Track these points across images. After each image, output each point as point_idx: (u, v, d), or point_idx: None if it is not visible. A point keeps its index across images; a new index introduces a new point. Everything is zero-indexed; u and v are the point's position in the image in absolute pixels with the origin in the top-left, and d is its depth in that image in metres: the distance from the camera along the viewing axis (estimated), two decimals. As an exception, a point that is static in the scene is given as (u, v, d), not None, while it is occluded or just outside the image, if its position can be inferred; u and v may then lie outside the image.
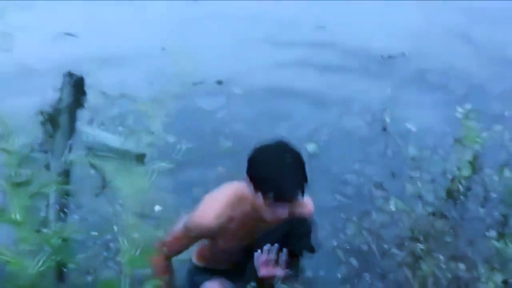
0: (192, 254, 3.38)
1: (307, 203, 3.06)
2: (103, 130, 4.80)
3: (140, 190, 4.02)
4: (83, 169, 4.39)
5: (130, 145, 4.57)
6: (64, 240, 3.41)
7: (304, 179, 2.78)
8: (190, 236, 3.08)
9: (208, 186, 4.51)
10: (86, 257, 3.72)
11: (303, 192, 2.79)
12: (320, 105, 5.63)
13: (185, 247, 3.21)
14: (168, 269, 3.19)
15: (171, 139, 4.90)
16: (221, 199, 2.97)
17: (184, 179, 4.64)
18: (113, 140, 4.65)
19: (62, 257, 2.51)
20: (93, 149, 4.57)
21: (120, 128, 4.80)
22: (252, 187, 2.80)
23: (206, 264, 3.33)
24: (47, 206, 4.07)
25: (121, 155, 4.47)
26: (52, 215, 3.97)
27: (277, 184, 2.71)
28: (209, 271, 3.32)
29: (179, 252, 3.21)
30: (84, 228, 3.95)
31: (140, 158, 4.56)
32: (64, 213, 4.07)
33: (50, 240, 2.48)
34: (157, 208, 4.25)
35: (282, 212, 2.78)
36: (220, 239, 3.04)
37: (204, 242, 3.23)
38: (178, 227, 3.09)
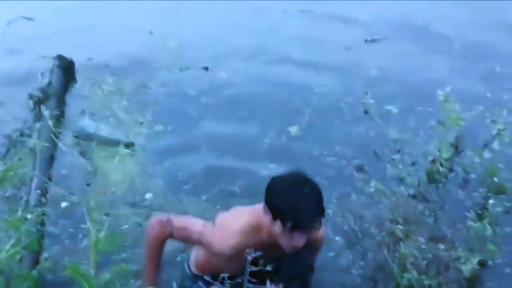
0: (191, 264, 3.39)
1: (318, 231, 3.09)
2: (94, 120, 4.81)
3: (128, 176, 4.05)
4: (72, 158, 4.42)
5: (119, 135, 4.59)
6: (42, 224, 3.43)
7: (322, 209, 2.84)
8: (201, 243, 3.11)
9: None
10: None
11: (320, 223, 2.86)
12: (302, 88, 5.63)
13: (190, 243, 3.31)
14: (161, 248, 3.17)
15: (158, 127, 4.92)
16: (239, 227, 3.01)
17: (169, 164, 4.66)
18: (103, 130, 4.66)
19: (30, 244, 2.50)
20: (82, 138, 4.59)
21: (111, 119, 4.81)
22: (270, 215, 2.86)
23: (205, 274, 3.31)
24: (29, 192, 4.10)
25: (110, 144, 4.50)
26: (33, 201, 4.00)
27: (296, 214, 2.77)
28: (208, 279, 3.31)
29: (180, 240, 3.28)
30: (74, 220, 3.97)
31: (128, 147, 4.57)
32: (46, 198, 4.10)
33: (19, 227, 2.47)
34: (148, 195, 4.25)
35: (299, 241, 2.84)
36: (229, 260, 3.04)
37: (207, 257, 3.25)
38: (195, 226, 3.10)
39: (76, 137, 4.67)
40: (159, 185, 4.37)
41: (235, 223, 3.04)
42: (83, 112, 4.99)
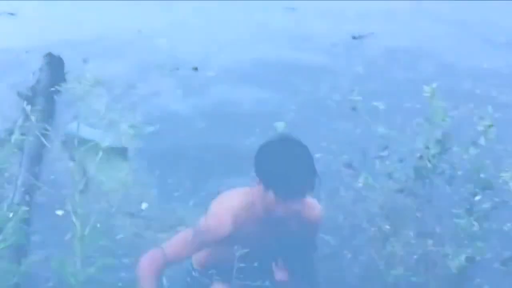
0: (193, 260, 3.26)
1: (315, 206, 3.05)
2: (84, 124, 4.76)
3: (122, 184, 4.01)
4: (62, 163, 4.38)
5: (111, 139, 4.55)
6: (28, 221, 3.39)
7: (313, 170, 2.76)
8: (198, 240, 2.93)
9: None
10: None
11: (313, 186, 2.77)
12: (289, 84, 5.63)
13: (189, 252, 3.06)
14: (155, 282, 2.92)
15: (148, 129, 4.88)
16: (232, 204, 2.90)
17: (160, 169, 4.63)
18: (94, 134, 4.62)
19: (17, 240, 2.47)
20: (72, 142, 4.55)
21: (101, 123, 4.76)
22: (262, 186, 2.76)
23: (206, 266, 3.20)
24: (15, 189, 4.07)
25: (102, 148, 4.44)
26: (17, 198, 3.97)
27: (287, 179, 2.69)
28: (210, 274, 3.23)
29: (178, 258, 3.04)
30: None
31: (122, 152, 4.55)
32: (30, 196, 4.06)
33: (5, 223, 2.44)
34: (144, 205, 4.21)
35: (295, 206, 2.74)
36: (228, 244, 2.87)
37: (208, 251, 3.12)
38: (184, 233, 2.99)
39: (66, 141, 4.63)
40: (153, 194, 4.34)
41: (227, 202, 2.94)
42: (75, 117, 4.95)
